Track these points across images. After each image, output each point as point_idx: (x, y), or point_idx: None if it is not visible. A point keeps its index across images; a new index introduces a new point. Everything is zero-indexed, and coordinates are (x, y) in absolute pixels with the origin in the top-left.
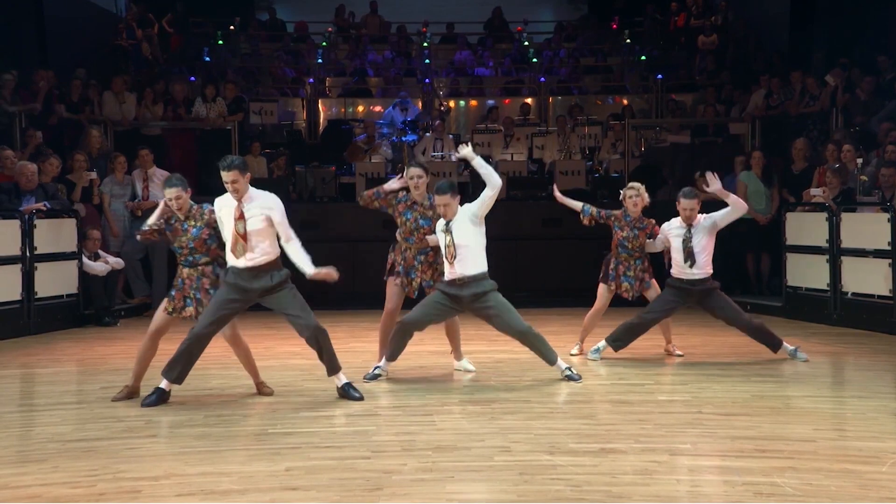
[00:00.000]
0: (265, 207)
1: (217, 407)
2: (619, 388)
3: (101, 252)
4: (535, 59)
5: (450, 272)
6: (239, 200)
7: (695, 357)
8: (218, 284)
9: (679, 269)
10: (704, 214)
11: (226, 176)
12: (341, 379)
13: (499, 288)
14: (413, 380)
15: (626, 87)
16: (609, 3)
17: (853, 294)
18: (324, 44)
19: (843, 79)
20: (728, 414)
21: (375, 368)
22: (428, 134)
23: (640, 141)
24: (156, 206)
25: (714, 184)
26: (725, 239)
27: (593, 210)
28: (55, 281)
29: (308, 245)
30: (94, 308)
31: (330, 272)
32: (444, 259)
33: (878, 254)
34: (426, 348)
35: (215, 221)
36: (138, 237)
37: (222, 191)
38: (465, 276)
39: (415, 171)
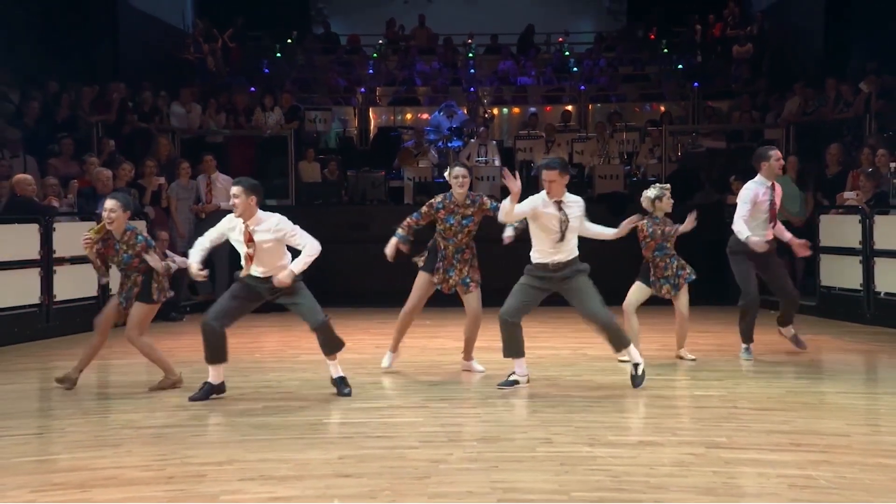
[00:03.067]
0: (276, 231)
1: (274, 398)
2: (657, 382)
3: (168, 252)
4: (575, 69)
5: (548, 253)
6: (245, 221)
7: (730, 354)
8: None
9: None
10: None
11: (232, 189)
12: (337, 369)
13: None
14: (458, 374)
15: (663, 95)
16: (647, 14)
17: (886, 294)
18: (375, 55)
19: (877, 85)
20: (763, 409)
21: (511, 375)
22: (473, 140)
23: (678, 146)
24: (219, 209)
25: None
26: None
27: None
28: None
29: (358, 245)
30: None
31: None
32: (543, 236)
33: None
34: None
35: (144, 251)
36: (83, 243)
37: (280, 195)
38: (562, 262)
39: (460, 170)
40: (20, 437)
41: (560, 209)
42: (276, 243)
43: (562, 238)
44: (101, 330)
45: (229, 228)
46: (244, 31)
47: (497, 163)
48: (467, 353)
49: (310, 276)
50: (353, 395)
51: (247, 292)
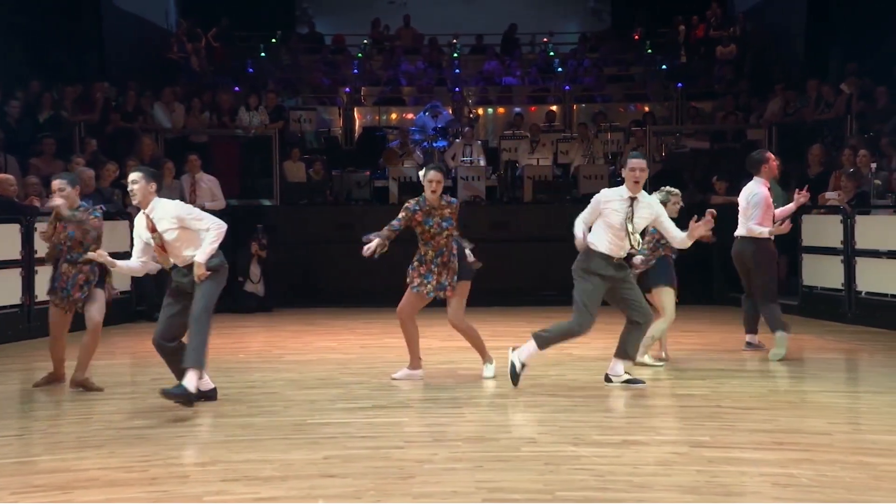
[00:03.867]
0: (172, 217)
1: (259, 398)
2: None
3: None
4: (560, 69)
5: (615, 250)
6: (144, 209)
7: (713, 353)
8: (92, 280)
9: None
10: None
11: (131, 176)
12: (191, 379)
13: (528, 287)
14: (442, 374)
15: (647, 96)
16: (631, 15)
17: (867, 293)
18: (359, 55)
19: (858, 87)
20: (746, 408)
21: (634, 382)
22: (458, 140)
23: (662, 146)
24: (203, 209)
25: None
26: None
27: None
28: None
29: (343, 245)
30: (145, 304)
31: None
32: (613, 232)
33: (891, 254)
34: (455, 344)
35: (96, 228)
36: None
37: (265, 194)
38: (622, 259)
39: (434, 175)
40: (0, 438)
41: (633, 208)
42: (182, 231)
43: (631, 233)
44: (93, 328)
45: (139, 227)
46: (229, 30)
47: (482, 163)
48: (483, 356)
49: (295, 275)
50: (337, 395)
51: (176, 295)
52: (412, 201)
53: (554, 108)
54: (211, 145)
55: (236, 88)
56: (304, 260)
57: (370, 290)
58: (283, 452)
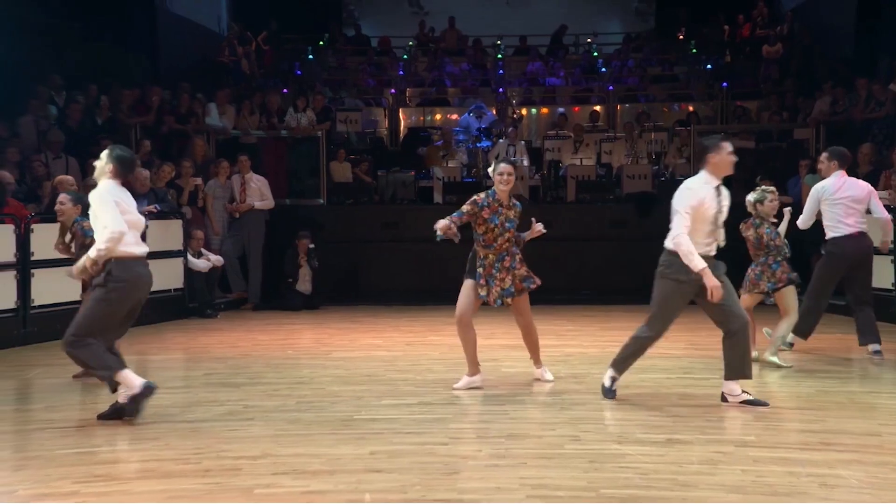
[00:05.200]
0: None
1: (308, 394)
2: (685, 381)
3: (203, 250)
4: (604, 69)
5: (712, 248)
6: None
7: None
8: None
9: None
10: None
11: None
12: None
13: (565, 286)
14: (485, 371)
15: (691, 95)
16: (675, 15)
17: None
18: (405, 57)
19: None
20: (793, 408)
21: (754, 403)
22: (502, 140)
23: None
24: (252, 208)
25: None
26: (794, 242)
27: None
28: (163, 276)
29: (388, 244)
30: (197, 301)
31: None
32: (710, 229)
33: None
34: (498, 342)
35: (81, 240)
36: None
37: (312, 194)
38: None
39: (505, 167)
40: (62, 429)
41: (721, 200)
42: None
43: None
44: None
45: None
46: (277, 33)
47: (525, 163)
48: (535, 359)
49: (341, 274)
50: (383, 391)
51: None
52: (482, 194)
53: (597, 108)
54: (260, 146)
55: (285, 90)
56: (349, 259)
57: (415, 289)
58: (330, 447)
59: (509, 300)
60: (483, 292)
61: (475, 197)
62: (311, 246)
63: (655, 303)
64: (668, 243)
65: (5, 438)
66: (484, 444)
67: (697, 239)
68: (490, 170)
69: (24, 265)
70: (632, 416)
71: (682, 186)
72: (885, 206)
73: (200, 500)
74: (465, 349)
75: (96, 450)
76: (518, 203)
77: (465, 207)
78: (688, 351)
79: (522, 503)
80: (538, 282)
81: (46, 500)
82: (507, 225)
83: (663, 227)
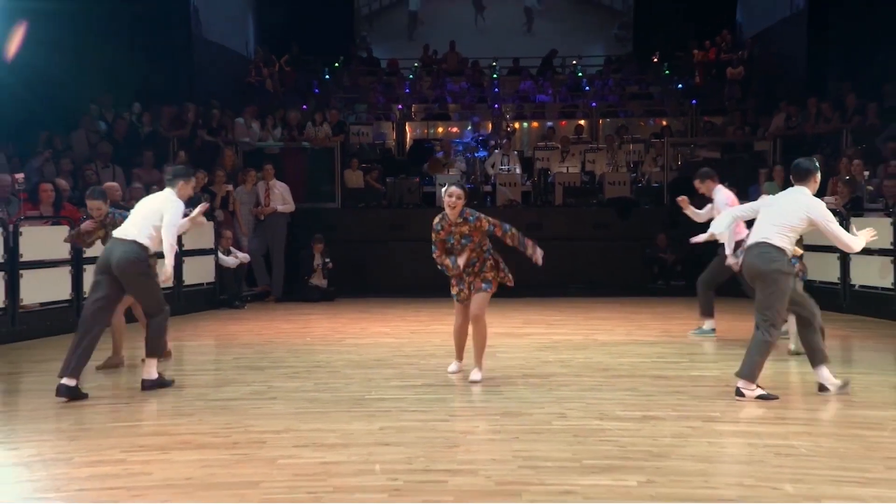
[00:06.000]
0: None
1: (324, 376)
2: (659, 364)
3: (232, 248)
4: (587, 88)
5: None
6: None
7: (725, 338)
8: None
9: None
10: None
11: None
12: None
13: (557, 281)
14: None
15: (665, 111)
16: (651, 41)
17: (860, 286)
18: (411, 76)
19: (853, 103)
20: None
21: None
22: (497, 151)
23: (678, 156)
24: (275, 211)
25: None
26: None
27: None
28: (197, 272)
29: (396, 244)
30: (226, 294)
31: None
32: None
33: (882, 252)
34: (492, 330)
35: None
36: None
37: (327, 199)
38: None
39: (455, 190)
40: (113, 405)
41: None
42: None
43: None
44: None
45: None
46: (298, 56)
47: (518, 171)
48: (476, 359)
49: (354, 270)
50: (391, 374)
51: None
52: (437, 218)
53: (582, 122)
54: (282, 156)
55: (304, 106)
56: (361, 256)
57: (419, 283)
58: (344, 423)
59: (466, 300)
60: (454, 291)
61: (433, 223)
62: (324, 248)
63: (777, 299)
64: (792, 247)
65: (61, 412)
66: (480, 421)
67: (794, 237)
68: (442, 191)
69: (11, 265)
70: (611, 395)
71: (816, 202)
72: (832, 209)
73: (230, 468)
74: (458, 346)
75: (141, 423)
76: (472, 217)
77: (432, 236)
78: (661, 338)
79: (515, 472)
80: (494, 288)
81: (98, 466)
82: (463, 241)
83: (641, 229)
